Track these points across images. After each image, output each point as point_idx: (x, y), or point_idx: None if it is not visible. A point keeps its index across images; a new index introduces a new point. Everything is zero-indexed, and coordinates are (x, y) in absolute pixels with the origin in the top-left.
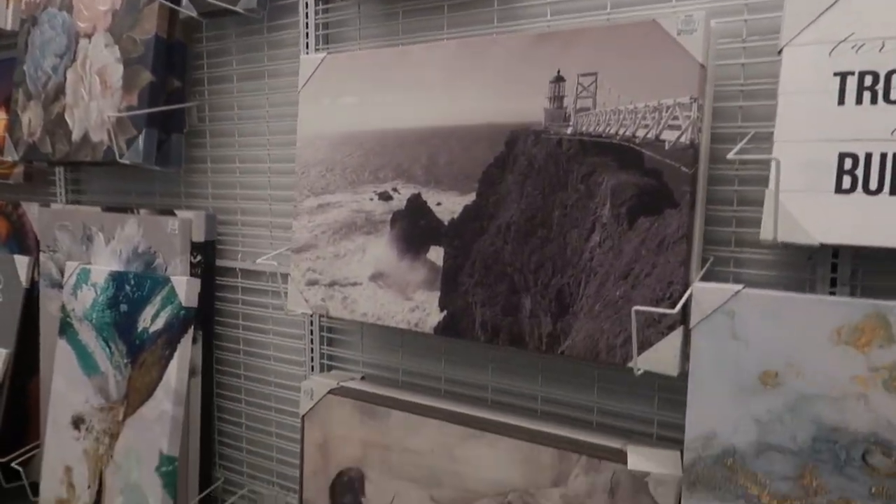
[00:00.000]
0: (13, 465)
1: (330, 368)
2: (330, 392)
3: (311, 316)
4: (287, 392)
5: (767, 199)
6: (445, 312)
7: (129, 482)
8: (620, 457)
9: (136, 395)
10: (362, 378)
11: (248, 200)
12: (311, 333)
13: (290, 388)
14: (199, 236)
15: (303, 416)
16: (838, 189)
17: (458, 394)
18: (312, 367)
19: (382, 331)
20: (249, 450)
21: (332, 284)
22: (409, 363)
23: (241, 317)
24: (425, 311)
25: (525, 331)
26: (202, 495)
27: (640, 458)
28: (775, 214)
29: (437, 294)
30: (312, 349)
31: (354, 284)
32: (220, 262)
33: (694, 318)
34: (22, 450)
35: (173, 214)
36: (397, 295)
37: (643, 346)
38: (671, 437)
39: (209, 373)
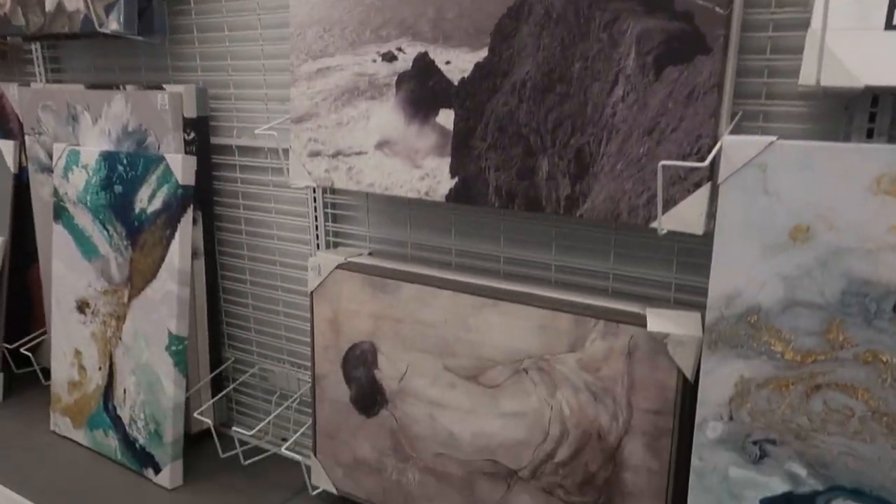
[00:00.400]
0: (22, 350)
1: (336, 245)
2: (338, 267)
3: (315, 191)
4: (293, 271)
5: (810, 38)
6: (457, 179)
7: (140, 363)
8: (639, 320)
9: (139, 277)
10: (370, 253)
11: (240, 72)
12: (315, 210)
13: (295, 266)
14: (190, 112)
15: (311, 293)
16: (889, 25)
17: (470, 266)
18: (318, 244)
19: (389, 204)
20: (258, 329)
21: (335, 155)
22: (417, 236)
23: (241, 196)
24: (436, 178)
25: (542, 194)
26: (213, 374)
27: (659, 320)
28: (820, 54)
29: (448, 160)
30: (317, 226)
31: (359, 154)
32: (214, 140)
33: (723, 173)
34: (29, 336)
35: (162, 89)
36: (405, 163)
37: (668, 205)
38: (690, 301)
39: (212, 254)
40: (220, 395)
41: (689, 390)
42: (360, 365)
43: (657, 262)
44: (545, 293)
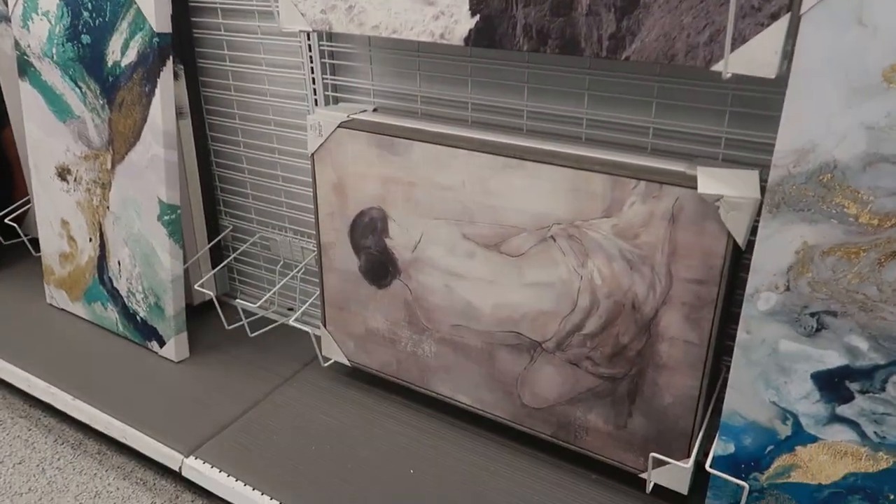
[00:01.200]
0: (7, 221)
1: (336, 101)
2: (340, 126)
3: (310, 38)
4: (290, 131)
5: None
6: (478, 17)
7: (132, 233)
8: (686, 180)
9: (121, 140)
10: (375, 109)
11: None
12: (311, 61)
13: (292, 126)
14: None
15: (312, 155)
16: None
17: (490, 122)
18: (316, 100)
19: (397, 50)
20: (255, 196)
21: None
22: (429, 89)
23: (227, 46)
24: (452, 17)
25: (580, 34)
26: (211, 244)
27: (711, 181)
28: None
29: None
30: (314, 79)
31: None
32: None
33: (806, 2)
34: (12, 206)
35: None
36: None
37: (735, 43)
38: (741, 159)
39: (198, 113)
40: (220, 266)
41: (736, 258)
42: (369, 233)
43: (706, 114)
44: (576, 151)
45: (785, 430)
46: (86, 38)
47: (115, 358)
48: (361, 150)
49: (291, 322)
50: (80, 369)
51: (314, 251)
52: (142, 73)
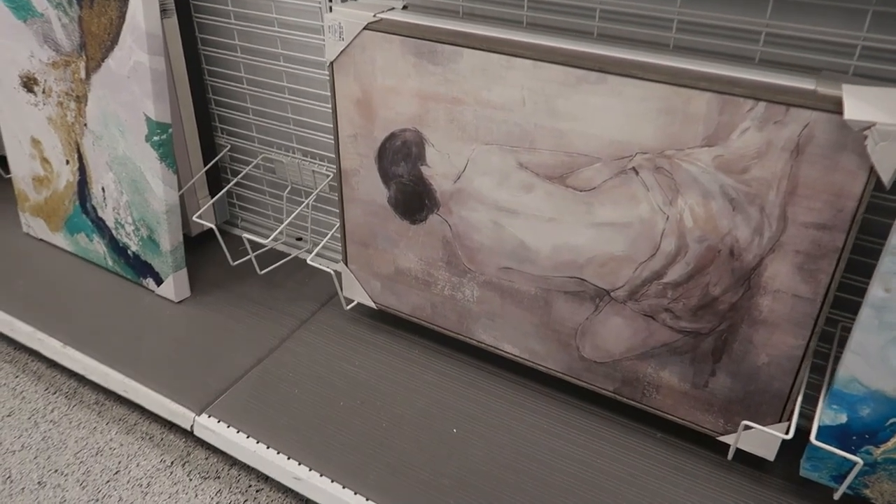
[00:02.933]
0: None
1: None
2: (367, 28)
3: None
4: (298, 33)
5: None
6: None
7: (116, 155)
8: (819, 101)
9: (95, 44)
10: (405, 7)
11: None
12: None
13: (301, 27)
14: None
15: (331, 64)
16: None
17: (550, 25)
18: None
19: None
20: (256, 111)
21: None
22: None
23: None
24: None
25: None
26: (208, 167)
27: (860, 104)
28: None
29: None
30: None
31: None
32: None
33: None
34: None
35: None
36: None
37: None
38: (880, 74)
39: (185, 11)
40: (221, 193)
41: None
42: (401, 159)
43: (836, 14)
44: (674, 63)
45: None
46: None
47: (106, 297)
48: (393, 59)
49: (309, 260)
50: (68, 311)
51: (329, 176)
52: None
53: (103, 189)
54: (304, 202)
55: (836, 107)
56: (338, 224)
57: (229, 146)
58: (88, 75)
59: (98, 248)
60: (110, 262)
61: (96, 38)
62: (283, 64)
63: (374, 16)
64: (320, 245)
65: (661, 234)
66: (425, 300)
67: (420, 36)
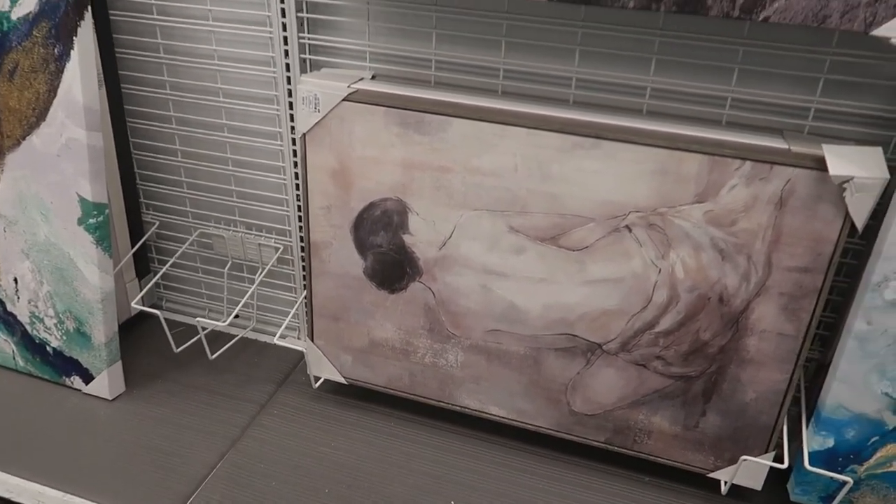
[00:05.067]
0: None
1: (315, 66)
2: (346, 99)
3: None
4: (247, 104)
5: None
6: None
7: (36, 241)
8: (798, 160)
9: (14, 120)
10: (373, 77)
11: None
12: (283, 15)
13: (250, 97)
14: None
15: (304, 136)
16: None
17: (524, 92)
18: (287, 64)
19: (401, 5)
20: (192, 184)
21: None
22: (448, 51)
23: None
24: None
25: None
26: (137, 246)
27: (841, 161)
28: None
29: None
30: (285, 37)
31: None
32: None
33: None
34: None
35: None
36: None
37: None
38: (830, 132)
39: (113, 81)
40: (160, 272)
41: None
42: (380, 229)
43: (792, 81)
44: (666, 129)
45: (894, 420)
46: None
47: (22, 404)
48: (375, 129)
49: (277, 341)
50: None
51: (279, 249)
52: (47, 30)
53: (15, 280)
54: (249, 278)
55: (814, 164)
56: (299, 299)
57: (157, 223)
58: (2, 155)
59: (5, 347)
60: (21, 363)
61: (16, 113)
62: (226, 135)
63: (350, 86)
64: (283, 325)
65: (654, 287)
66: (403, 370)
67: (406, 106)
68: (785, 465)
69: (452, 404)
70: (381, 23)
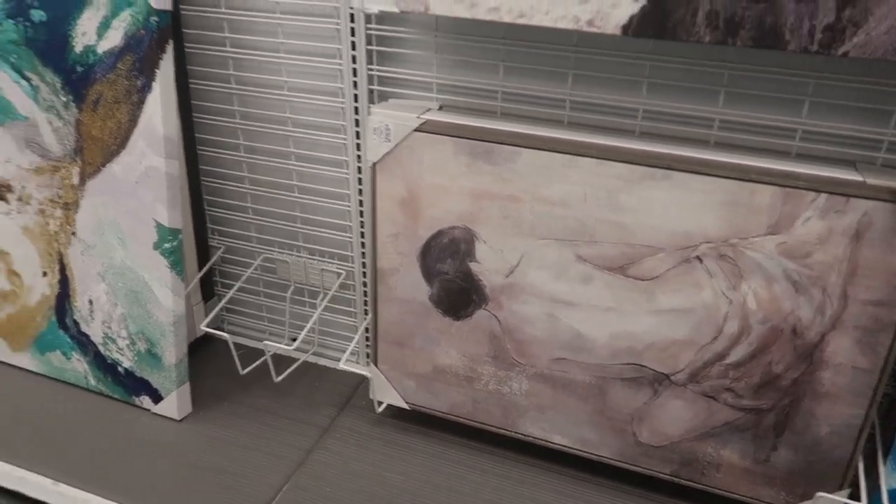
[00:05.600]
0: None
1: (382, 97)
2: (417, 130)
3: (353, 19)
4: (315, 133)
5: None
6: (646, 1)
7: (113, 264)
8: (875, 192)
9: (95, 148)
10: (440, 108)
11: None
12: (354, 48)
13: (318, 126)
14: None
15: (374, 165)
16: None
17: (590, 123)
18: (356, 95)
19: (471, 36)
20: (258, 210)
21: None
22: (515, 83)
23: (227, 27)
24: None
25: (785, 23)
26: (204, 270)
27: None
28: None
29: None
30: (355, 69)
31: None
32: None
33: None
34: None
35: None
36: None
37: None
38: None
39: (186, 111)
40: (229, 295)
41: None
42: (447, 257)
43: (866, 112)
44: (737, 160)
45: None
46: (38, 14)
47: (93, 421)
48: (445, 159)
49: (342, 366)
50: (51, 441)
51: (341, 275)
52: (131, 63)
53: (90, 301)
54: (311, 302)
55: (891, 196)
56: (363, 325)
57: (223, 247)
58: (83, 181)
59: (78, 366)
60: (93, 382)
61: (98, 142)
62: (293, 163)
63: (419, 117)
64: (348, 350)
65: (724, 318)
66: (466, 397)
67: (476, 137)
68: (863, 503)
69: (516, 432)
70: (448, 55)
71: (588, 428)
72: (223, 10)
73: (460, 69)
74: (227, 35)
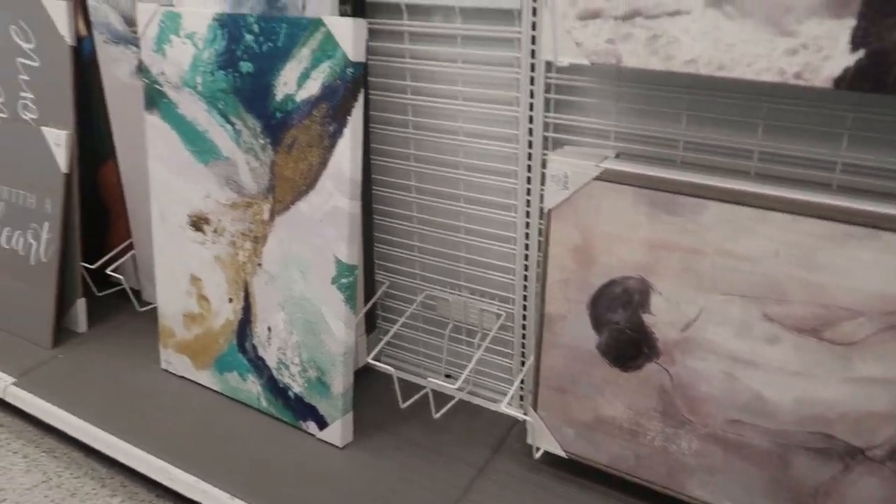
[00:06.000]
0: (109, 273)
1: (556, 144)
2: (597, 178)
3: (533, 69)
4: (486, 177)
5: None
6: (862, 53)
7: (292, 295)
8: None
9: (286, 187)
10: (617, 156)
11: None
12: (532, 96)
13: (489, 170)
14: None
15: (549, 211)
16: None
17: (779, 175)
18: (530, 141)
19: (654, 85)
20: (423, 248)
21: (631, 16)
22: (696, 133)
23: (409, 76)
24: (821, 51)
25: None
26: (370, 304)
27: None
28: None
29: (850, 23)
30: (531, 116)
31: (676, 14)
32: None
33: None
34: (112, 253)
35: None
36: (763, 28)
37: None
38: None
39: (365, 152)
40: (393, 330)
41: None
42: (619, 307)
43: None
44: None
45: None
46: (246, 66)
47: (260, 440)
48: (624, 209)
49: (504, 408)
50: (227, 457)
51: (502, 316)
52: (326, 110)
53: (269, 329)
54: (468, 340)
55: None
56: (524, 368)
57: (387, 282)
58: (273, 217)
59: (252, 387)
60: (264, 403)
61: (289, 181)
62: (462, 205)
63: (598, 165)
64: (510, 394)
65: None
66: (629, 450)
67: (658, 187)
68: None
69: (680, 493)
70: (627, 103)
71: (763, 497)
72: (407, 59)
73: (639, 117)
74: (408, 83)
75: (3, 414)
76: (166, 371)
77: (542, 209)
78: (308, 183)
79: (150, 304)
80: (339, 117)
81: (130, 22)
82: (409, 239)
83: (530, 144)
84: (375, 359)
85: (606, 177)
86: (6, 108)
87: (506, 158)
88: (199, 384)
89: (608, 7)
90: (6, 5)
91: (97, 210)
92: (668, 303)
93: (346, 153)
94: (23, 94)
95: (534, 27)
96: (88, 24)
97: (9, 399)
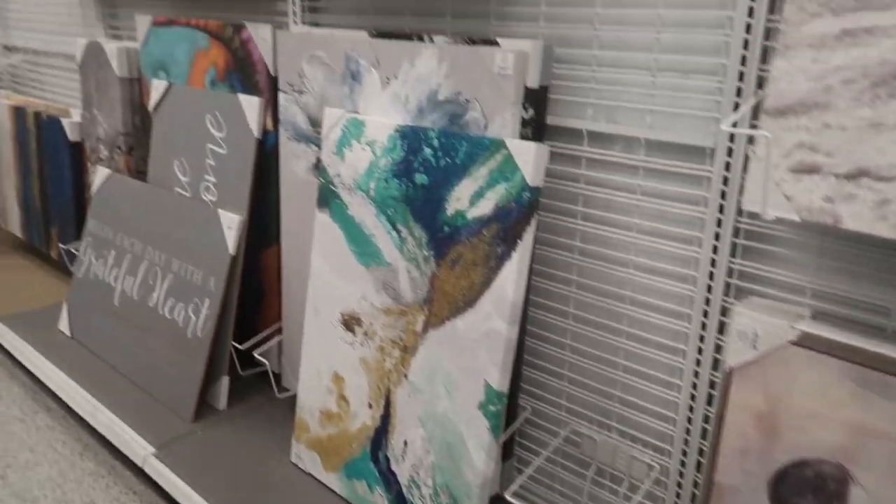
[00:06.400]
0: (256, 354)
1: (740, 293)
2: (795, 343)
3: (722, 212)
4: (653, 315)
5: None
6: None
7: (435, 412)
8: None
9: (444, 302)
10: (813, 317)
11: (609, 25)
12: (717, 238)
13: (659, 309)
14: (533, 79)
15: (731, 370)
16: None
17: None
18: (709, 285)
19: (862, 248)
20: (573, 379)
21: (854, 176)
22: None
23: (582, 201)
24: None
25: None
26: (511, 431)
27: None
28: None
29: None
30: (713, 260)
31: None
32: (551, 120)
33: None
34: (261, 335)
35: (494, 44)
36: None
37: None
38: None
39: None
40: (535, 464)
41: None
42: (809, 492)
43: None
44: None
45: None
46: (421, 178)
47: None
48: (824, 382)
49: None
50: None
51: (654, 468)
52: (496, 231)
53: (405, 443)
54: (611, 486)
55: None
56: None
57: (529, 409)
58: (426, 330)
59: (378, 500)
60: None
61: (448, 297)
62: (622, 340)
63: (793, 327)
64: None
65: None
66: None
67: (872, 365)
68: None
69: None
70: (831, 260)
71: None
72: (582, 184)
73: (839, 276)
74: (579, 208)
75: (138, 482)
76: (295, 465)
77: (715, 359)
78: (467, 301)
79: (287, 389)
80: (508, 240)
81: (315, 122)
82: (560, 367)
83: (709, 289)
84: (500, 486)
85: (807, 343)
86: (190, 187)
87: (679, 299)
88: (325, 485)
89: (829, 163)
90: (205, 97)
91: (252, 290)
92: (872, 499)
93: (512, 277)
94: (207, 177)
95: (727, 167)
96: (276, 120)
97: (147, 470)
